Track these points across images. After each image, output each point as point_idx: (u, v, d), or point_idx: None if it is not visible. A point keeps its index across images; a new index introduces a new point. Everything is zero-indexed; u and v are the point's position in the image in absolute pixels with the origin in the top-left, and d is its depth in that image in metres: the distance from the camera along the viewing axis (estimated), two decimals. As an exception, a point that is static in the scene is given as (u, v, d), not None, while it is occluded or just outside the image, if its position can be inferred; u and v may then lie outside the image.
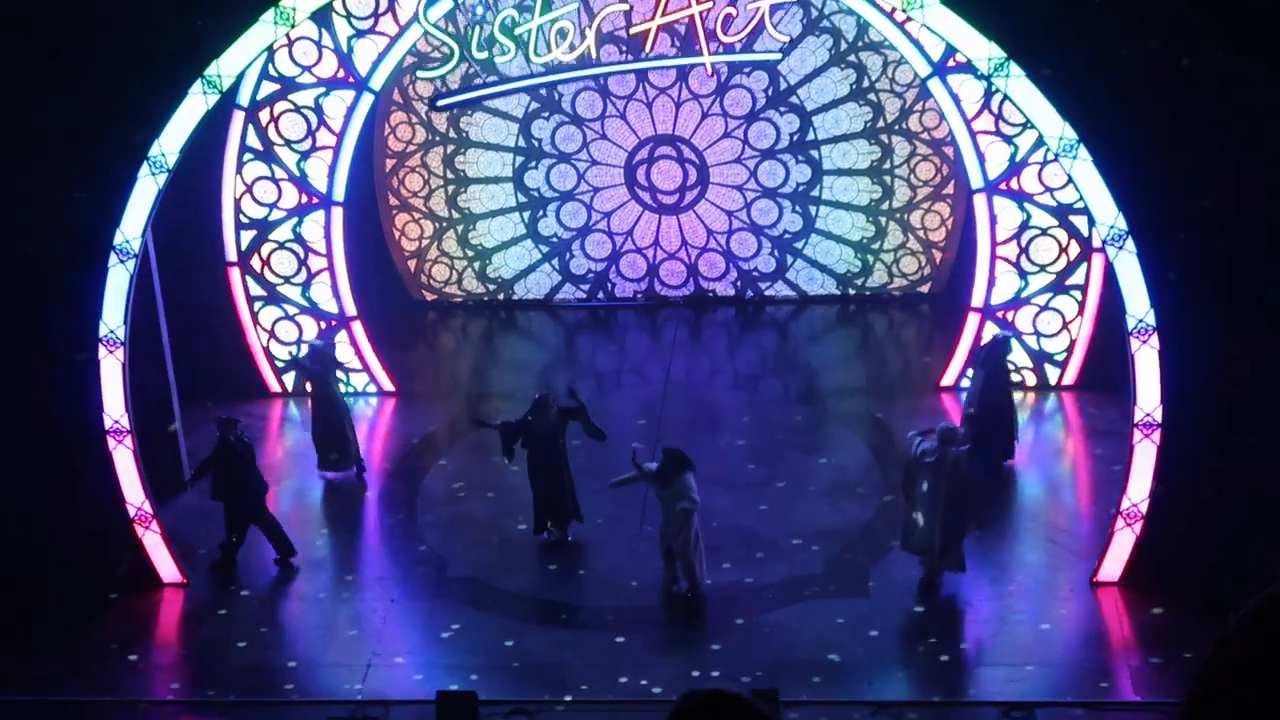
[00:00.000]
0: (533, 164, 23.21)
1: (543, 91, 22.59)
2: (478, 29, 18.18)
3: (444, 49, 19.12)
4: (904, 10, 15.24)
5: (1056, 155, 15.22)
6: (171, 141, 15.25)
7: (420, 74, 19.17)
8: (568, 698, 14.23)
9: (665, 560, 16.01)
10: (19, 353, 15.13)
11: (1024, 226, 20.12)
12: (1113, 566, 15.70)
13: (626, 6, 19.33)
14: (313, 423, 18.93)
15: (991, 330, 20.23)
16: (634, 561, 16.60)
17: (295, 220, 20.65)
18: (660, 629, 15.35)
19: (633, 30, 19.29)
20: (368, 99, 20.29)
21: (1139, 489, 15.34)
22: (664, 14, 18.62)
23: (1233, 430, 14.28)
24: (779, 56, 20.23)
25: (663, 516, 16.03)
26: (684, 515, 15.76)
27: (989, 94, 19.12)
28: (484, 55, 18.30)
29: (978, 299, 20.42)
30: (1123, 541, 15.60)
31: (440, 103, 18.87)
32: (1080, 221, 19.42)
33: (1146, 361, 15.06)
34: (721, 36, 19.09)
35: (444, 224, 23.57)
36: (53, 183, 14.69)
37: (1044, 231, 20.10)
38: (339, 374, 19.65)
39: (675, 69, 22.29)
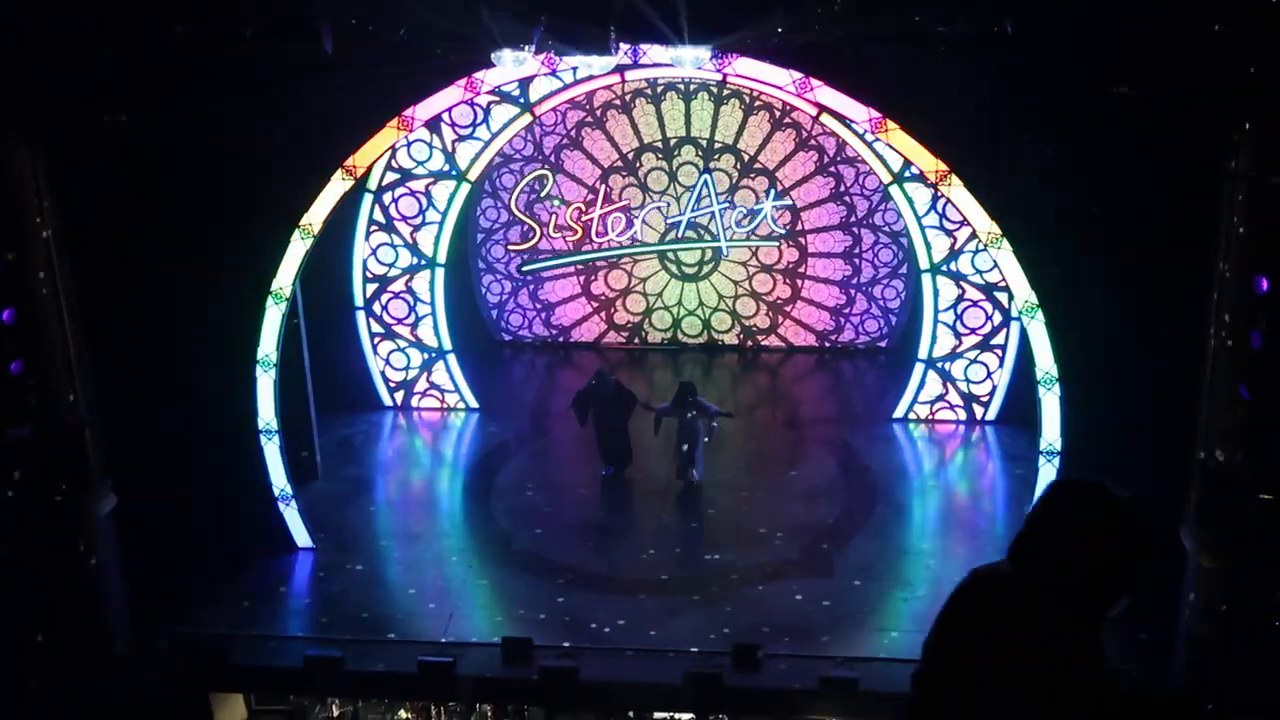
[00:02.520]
0: (588, 241, 23.23)
1: (595, 185, 22.67)
2: (553, 216, 18.65)
3: (530, 226, 19.41)
4: (871, 134, 15.25)
5: (986, 246, 15.20)
6: (317, 215, 15.34)
7: (511, 247, 19.41)
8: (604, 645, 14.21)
9: (680, 463, 18.00)
10: (198, 369, 15.19)
11: (959, 299, 20.11)
12: (1020, 559, 15.60)
13: (662, 205, 20.28)
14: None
15: (934, 379, 20.22)
16: (655, 542, 16.57)
17: (407, 277, 20.73)
18: (671, 595, 15.27)
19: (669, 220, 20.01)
20: (465, 187, 20.41)
21: (1042, 501, 15.27)
22: (690, 209, 19.13)
23: (1118, 458, 14.19)
24: (776, 243, 20.12)
25: (679, 432, 17.97)
26: (705, 424, 17.97)
27: (935, 198, 19.13)
28: (558, 235, 18.77)
29: (923, 353, 20.42)
30: (1028, 540, 15.51)
31: (525, 268, 19.12)
32: (1002, 296, 19.39)
33: (1050, 405, 15.03)
34: (734, 228, 19.37)
35: (519, 283, 23.61)
36: (228, 243, 14.78)
37: (974, 303, 20.08)
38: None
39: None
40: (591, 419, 18.66)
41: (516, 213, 18.96)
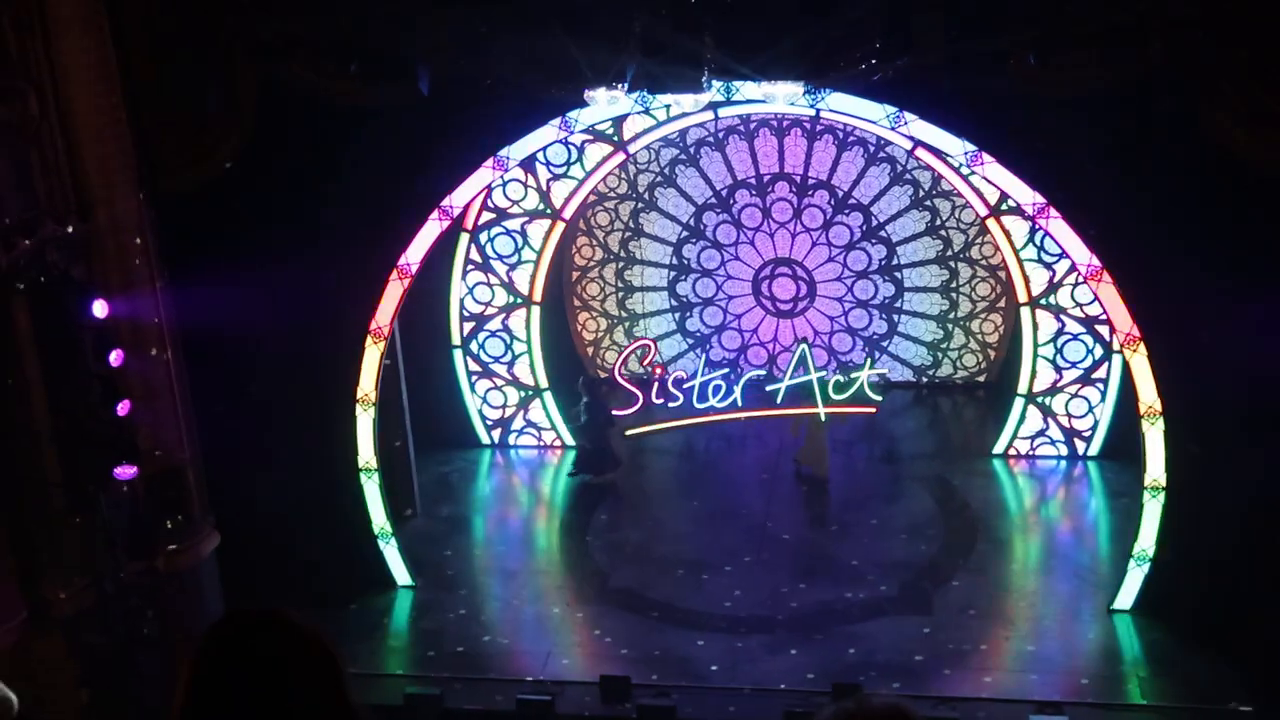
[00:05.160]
0: (683, 277, 23.24)
1: (690, 221, 22.71)
2: (656, 384, 19.11)
3: (635, 390, 19.76)
4: (967, 165, 15.12)
5: (1085, 278, 14.99)
6: (415, 254, 15.49)
7: (614, 411, 19.81)
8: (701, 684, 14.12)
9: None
10: (299, 408, 15.37)
11: (1059, 332, 19.83)
12: (1125, 598, 15.35)
13: (762, 373, 20.85)
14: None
15: (1034, 414, 19.96)
16: (753, 579, 16.45)
17: (504, 315, 20.85)
18: (769, 633, 15.16)
19: (768, 388, 20.35)
20: (560, 225, 20.52)
21: (1147, 537, 15.00)
22: (789, 378, 19.35)
23: (1222, 494, 13.92)
24: (874, 410, 20.06)
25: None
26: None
27: (1033, 230, 18.90)
28: (660, 401, 19.20)
29: (1023, 387, 20.14)
30: (1134, 578, 15.24)
31: (629, 432, 19.45)
32: (1103, 329, 19.09)
33: (1154, 439, 14.75)
34: (832, 395, 19.49)
35: (614, 320, 23.65)
36: (329, 283, 14.95)
37: (1075, 337, 19.78)
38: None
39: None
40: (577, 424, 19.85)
41: (620, 380, 19.63)
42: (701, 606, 15.86)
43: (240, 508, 14.77)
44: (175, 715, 3.29)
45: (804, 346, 20.10)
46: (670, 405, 19.89)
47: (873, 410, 19.76)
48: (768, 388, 20.00)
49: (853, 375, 19.71)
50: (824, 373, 19.84)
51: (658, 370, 20.20)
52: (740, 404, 19.93)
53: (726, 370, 19.92)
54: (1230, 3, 12.26)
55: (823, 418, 19.19)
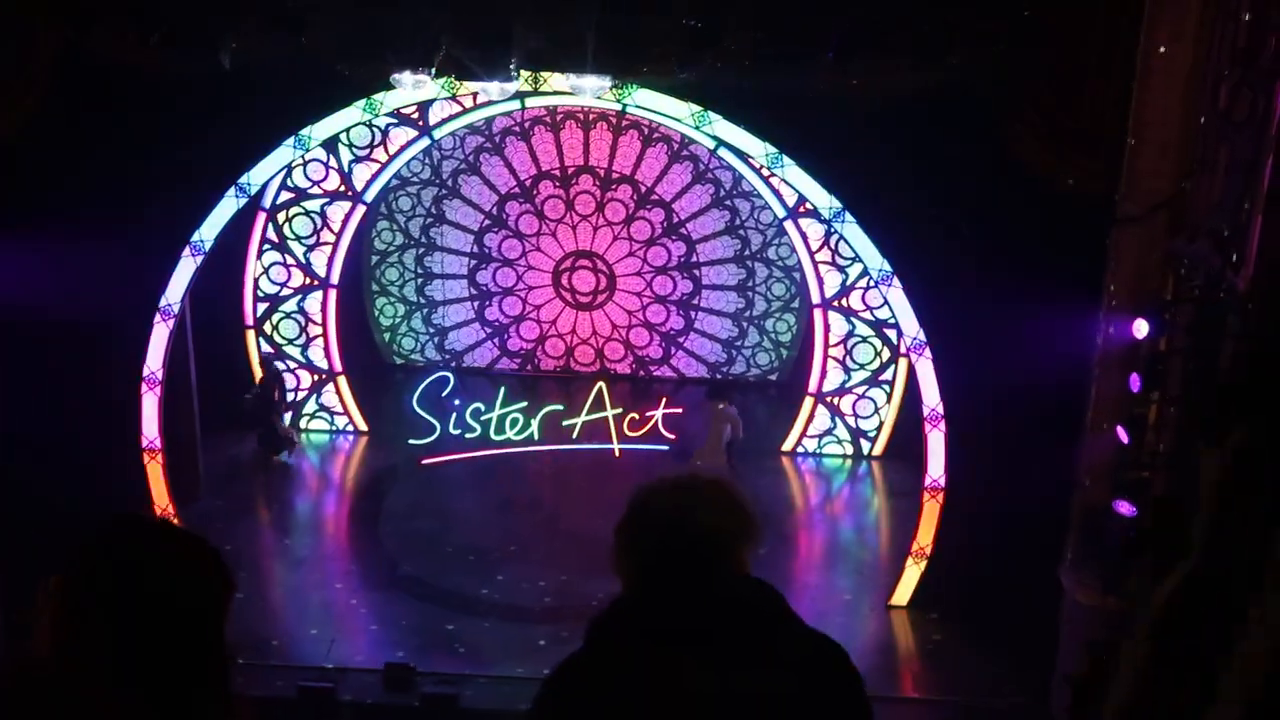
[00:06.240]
0: (483, 266, 23.15)
1: (493, 210, 22.63)
2: (454, 414, 19.04)
3: (431, 420, 19.63)
4: (768, 167, 15.37)
5: (876, 282, 15.37)
6: (209, 231, 15.13)
7: (412, 440, 19.57)
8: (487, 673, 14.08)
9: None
10: (81, 384, 14.87)
11: (849, 334, 20.31)
12: (903, 594, 15.78)
13: (561, 408, 20.47)
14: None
15: (823, 413, 20.38)
16: (543, 570, 16.46)
17: (300, 297, 20.50)
18: (559, 623, 15.18)
19: (564, 423, 20.35)
20: (361, 208, 20.26)
21: (925, 535, 15.45)
22: (585, 414, 19.50)
23: (997, 495, 14.40)
24: (667, 448, 20.21)
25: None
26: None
27: (828, 233, 19.34)
28: (458, 432, 19.13)
29: (812, 387, 20.59)
30: (912, 574, 15.68)
31: (425, 461, 19.28)
32: (891, 333, 19.60)
33: (935, 440, 15.21)
34: (627, 432, 19.66)
35: (413, 307, 23.44)
36: (118, 257, 14.48)
37: (864, 339, 20.30)
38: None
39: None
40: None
41: (417, 409, 19.62)
42: (490, 596, 15.82)
43: (16, 485, 14.22)
44: (47, 623, 3.13)
45: (601, 384, 20.34)
46: (467, 436, 19.92)
47: (666, 448, 19.98)
48: (564, 423, 20.14)
49: (647, 415, 19.93)
50: (619, 410, 20.06)
51: (456, 402, 20.18)
52: (537, 437, 20.07)
53: (524, 404, 20.02)
54: (1031, 19, 12.69)
55: (617, 453, 19.54)
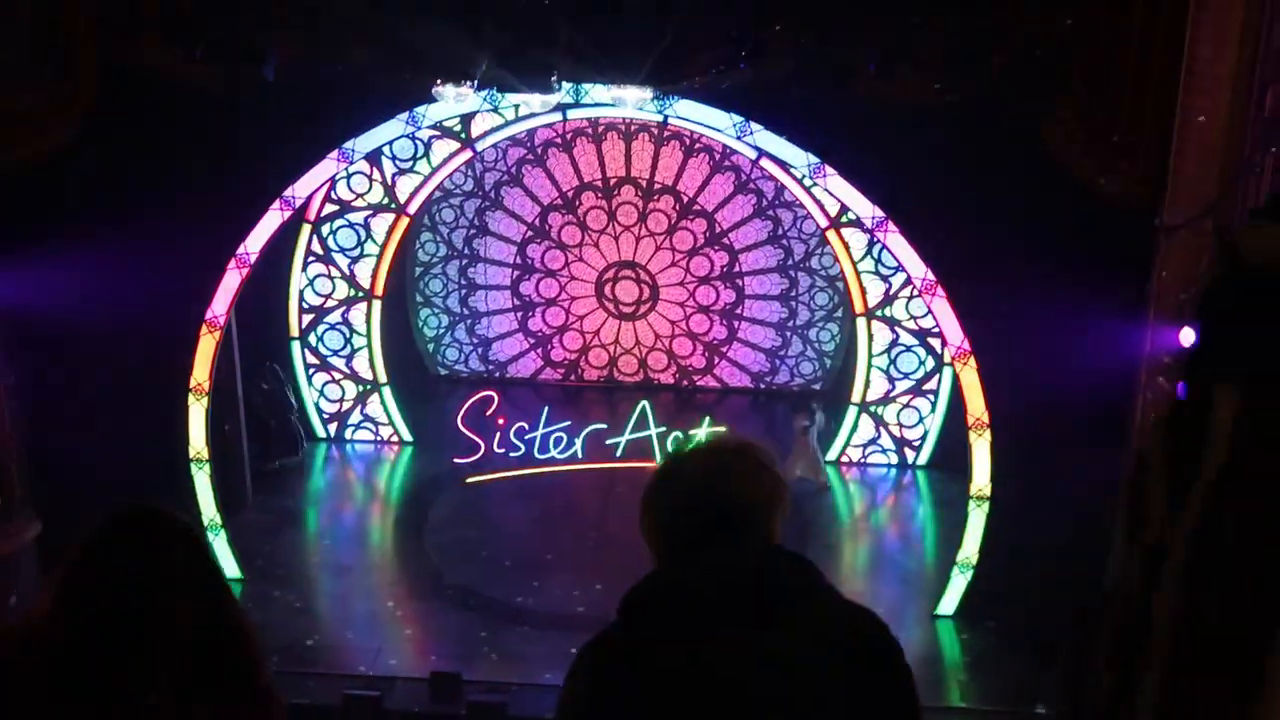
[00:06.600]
0: (526, 277, 23.22)
1: (535, 221, 22.70)
2: (497, 434, 19.27)
3: (475, 439, 19.68)
4: (810, 178, 15.35)
5: (919, 292, 15.32)
6: (254, 243, 15.23)
7: (456, 459, 19.60)
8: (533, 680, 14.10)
9: None
10: (130, 397, 15.00)
11: (893, 344, 20.26)
12: (949, 604, 15.70)
13: (604, 426, 20.49)
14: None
15: (867, 422, 20.30)
16: (580, 581, 16.45)
17: (344, 308, 20.63)
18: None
19: (608, 441, 20.34)
20: (404, 220, 20.38)
21: (971, 545, 15.37)
22: (628, 433, 20.07)
23: (1043, 504, 14.31)
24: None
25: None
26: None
27: (871, 243, 19.29)
28: (502, 450, 19.33)
29: (856, 396, 20.54)
30: (957, 584, 15.60)
31: (469, 479, 19.29)
32: (935, 341, 19.54)
33: (980, 450, 15.13)
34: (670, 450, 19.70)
35: (456, 318, 23.53)
36: (164, 270, 14.61)
37: (908, 348, 20.23)
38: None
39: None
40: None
41: (462, 429, 19.67)
42: (536, 606, 15.84)
43: (65, 495, 14.35)
44: (48, 610, 3.19)
45: (644, 403, 20.37)
46: (511, 455, 19.99)
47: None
48: (608, 441, 20.18)
49: (691, 433, 19.91)
50: (663, 429, 20.08)
51: (500, 420, 20.23)
52: (580, 455, 20.12)
53: (568, 423, 20.10)
54: (1069, 23, 12.64)
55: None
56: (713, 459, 3.58)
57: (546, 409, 20.63)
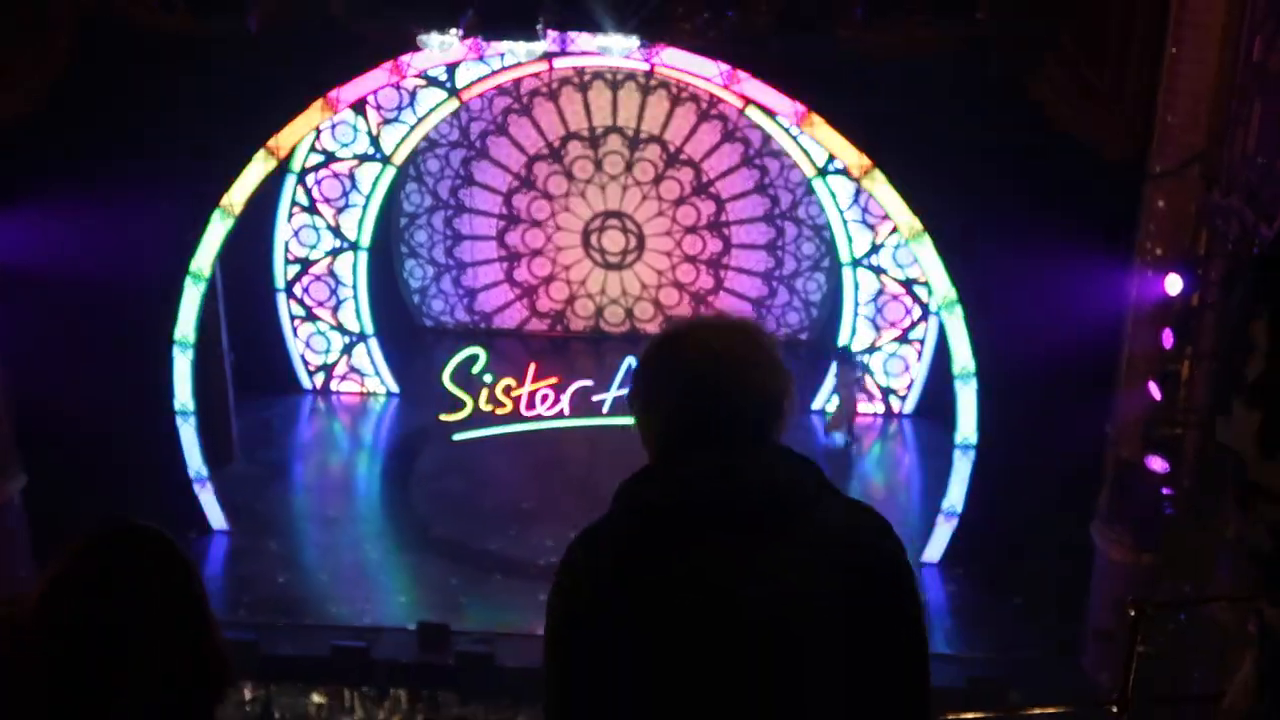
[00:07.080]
0: (512, 227, 23.14)
1: (521, 171, 22.59)
2: (485, 389, 18.61)
3: (461, 396, 19.37)
4: (795, 127, 15.29)
5: (906, 241, 15.30)
6: (238, 195, 15.15)
7: (443, 416, 19.33)
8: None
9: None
10: (114, 348, 14.96)
11: (879, 293, 20.25)
12: (934, 551, 15.78)
13: (590, 383, 19.88)
14: None
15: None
16: (566, 532, 16.45)
17: (329, 259, 20.55)
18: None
19: (594, 398, 19.81)
20: (390, 171, 20.27)
21: (956, 493, 15.44)
22: (615, 389, 19.44)
23: (1029, 452, 14.37)
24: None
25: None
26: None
27: (858, 192, 19.24)
28: (489, 407, 18.82)
29: (842, 345, 20.57)
30: (943, 532, 15.68)
31: (456, 437, 19.04)
32: (921, 291, 19.53)
33: (966, 399, 15.16)
34: None
35: (442, 269, 23.46)
36: (148, 222, 14.53)
37: (894, 297, 20.23)
38: None
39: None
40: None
41: (448, 386, 19.41)
42: (522, 556, 15.88)
43: (51, 448, 14.34)
44: (30, 617, 3.17)
45: (630, 359, 20.28)
46: (498, 412, 19.86)
47: None
48: (594, 398, 20.11)
49: None
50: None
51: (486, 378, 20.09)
52: (567, 412, 20.03)
53: (554, 379, 19.96)
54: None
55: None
56: (721, 344, 3.10)
57: (533, 366, 20.59)
